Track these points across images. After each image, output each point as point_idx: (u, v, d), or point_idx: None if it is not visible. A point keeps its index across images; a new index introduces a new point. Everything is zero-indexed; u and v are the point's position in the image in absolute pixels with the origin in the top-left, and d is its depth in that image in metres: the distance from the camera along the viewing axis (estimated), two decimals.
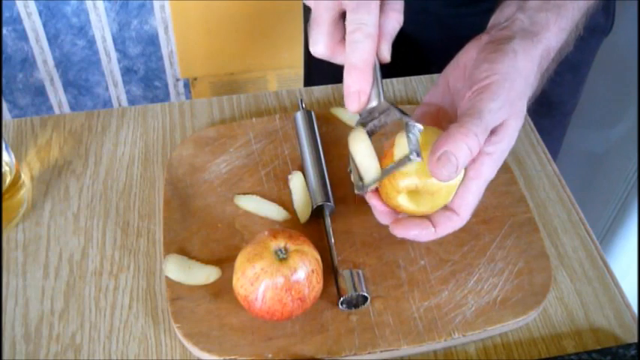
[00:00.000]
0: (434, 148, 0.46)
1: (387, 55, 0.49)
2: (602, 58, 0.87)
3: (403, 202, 0.50)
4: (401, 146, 0.48)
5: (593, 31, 0.81)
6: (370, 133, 0.51)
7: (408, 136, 0.47)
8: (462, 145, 0.45)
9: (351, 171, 0.52)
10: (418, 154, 0.46)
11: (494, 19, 0.54)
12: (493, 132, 0.48)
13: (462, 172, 0.49)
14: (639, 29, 0.98)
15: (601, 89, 1.07)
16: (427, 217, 0.50)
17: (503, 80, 0.48)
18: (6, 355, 0.52)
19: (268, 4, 1.46)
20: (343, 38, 0.49)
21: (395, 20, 0.49)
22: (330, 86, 0.75)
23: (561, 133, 0.92)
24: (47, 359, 0.52)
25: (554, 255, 0.61)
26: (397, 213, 0.52)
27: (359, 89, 0.47)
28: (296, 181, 0.63)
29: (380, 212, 0.52)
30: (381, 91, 0.49)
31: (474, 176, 0.49)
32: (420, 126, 0.47)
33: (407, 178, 0.48)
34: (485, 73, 0.48)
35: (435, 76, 0.76)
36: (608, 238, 1.22)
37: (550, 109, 0.87)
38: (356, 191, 0.51)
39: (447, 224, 0.50)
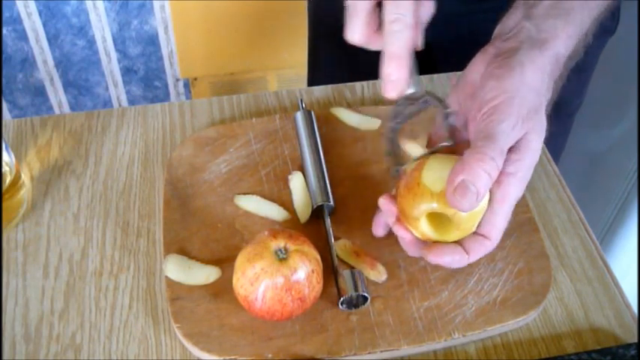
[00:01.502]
0: (450, 178, 0.45)
1: (420, 44, 0.50)
2: (603, 58, 0.87)
3: (426, 229, 0.49)
4: (429, 176, 0.48)
5: (599, 33, 0.81)
6: (407, 118, 0.52)
7: (445, 125, 0.48)
8: (479, 171, 0.45)
9: (389, 153, 0.52)
10: (454, 142, 0.47)
11: (499, 28, 0.53)
12: (513, 150, 0.47)
13: (487, 196, 0.48)
14: (639, 29, 0.98)
15: (601, 89, 1.07)
16: (459, 243, 0.50)
17: (512, 98, 0.47)
18: (6, 355, 0.52)
19: (268, 4, 1.46)
20: (379, 26, 0.49)
21: (428, 8, 0.50)
22: (330, 86, 0.75)
23: (565, 133, 0.92)
24: (47, 359, 0.52)
25: (554, 255, 0.61)
26: (425, 243, 0.51)
27: (399, 77, 0.48)
28: (296, 181, 0.63)
29: (408, 243, 0.51)
30: (417, 78, 0.50)
31: (500, 199, 0.48)
32: (454, 114, 0.48)
33: (423, 203, 0.47)
34: (492, 92, 0.48)
35: (435, 76, 0.76)
36: (608, 238, 1.22)
37: (555, 110, 0.87)
38: (391, 175, 0.51)
39: (480, 249, 0.49)
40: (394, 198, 0.51)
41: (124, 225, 0.61)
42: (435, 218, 0.49)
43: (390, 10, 0.47)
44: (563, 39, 0.51)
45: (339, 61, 0.95)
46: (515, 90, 0.47)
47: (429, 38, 0.83)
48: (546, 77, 0.50)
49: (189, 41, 1.51)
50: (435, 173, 0.48)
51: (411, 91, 0.50)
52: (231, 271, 0.52)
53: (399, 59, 0.47)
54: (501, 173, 0.47)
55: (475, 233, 0.49)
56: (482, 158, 0.45)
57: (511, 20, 0.52)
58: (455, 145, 0.48)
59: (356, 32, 0.50)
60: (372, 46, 0.50)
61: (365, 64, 0.85)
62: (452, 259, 0.49)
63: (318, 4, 0.95)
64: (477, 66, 0.51)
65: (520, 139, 0.48)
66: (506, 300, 0.55)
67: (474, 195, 0.44)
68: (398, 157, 0.51)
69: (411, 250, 0.52)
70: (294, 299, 0.50)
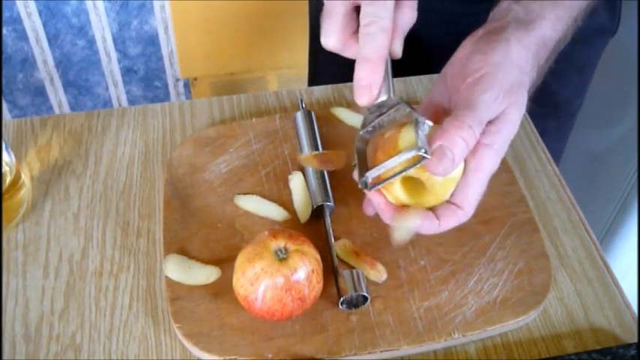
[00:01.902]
0: (429, 142, 0.46)
1: (398, 51, 0.49)
2: (603, 58, 0.87)
3: (399, 193, 0.49)
4: (406, 140, 0.47)
5: (599, 32, 0.81)
6: (377, 128, 0.50)
7: (417, 132, 0.46)
8: (456, 138, 0.45)
9: (355, 166, 0.51)
10: (427, 151, 0.46)
11: (491, 15, 0.54)
12: (491, 123, 0.48)
13: (462, 165, 0.48)
14: (639, 29, 0.98)
15: (601, 89, 1.07)
16: (431, 210, 0.50)
17: (496, 71, 0.47)
18: (6, 355, 0.52)
19: (269, 4, 1.46)
20: (355, 32, 0.48)
21: (409, 17, 0.49)
22: (330, 86, 0.75)
23: (566, 133, 0.92)
24: (47, 359, 0.52)
25: (554, 255, 0.60)
26: (400, 209, 0.51)
27: (370, 82, 0.46)
28: (296, 181, 0.63)
29: (382, 209, 0.51)
30: (391, 86, 0.48)
31: (474, 169, 0.48)
32: (429, 122, 0.47)
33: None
34: (478, 64, 0.48)
35: (435, 76, 0.76)
36: (608, 238, 1.22)
37: (556, 110, 0.87)
38: (360, 187, 0.50)
39: (451, 218, 0.49)
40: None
41: (124, 225, 0.61)
42: (409, 183, 0.49)
43: (366, 12, 0.46)
44: (550, 21, 0.51)
45: (339, 61, 0.95)
46: (500, 64, 0.48)
47: (429, 39, 0.84)
48: (531, 56, 0.50)
49: (189, 41, 1.51)
50: (411, 138, 0.47)
51: (383, 98, 0.48)
52: (231, 271, 0.52)
53: (373, 63, 0.46)
54: (478, 144, 0.47)
55: (448, 202, 0.49)
56: (460, 126, 0.45)
57: (501, 5, 0.53)
58: (430, 155, 0.47)
59: (331, 36, 0.48)
60: (347, 53, 0.49)
61: None
62: (422, 224, 0.49)
63: (318, 5, 0.94)
64: (466, 47, 0.51)
65: (501, 112, 0.48)
66: (506, 300, 0.55)
67: (449, 160, 0.45)
68: (364, 169, 0.49)
69: (385, 215, 0.51)
70: (294, 299, 0.50)
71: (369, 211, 0.55)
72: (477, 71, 0.48)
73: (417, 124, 0.47)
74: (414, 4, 0.49)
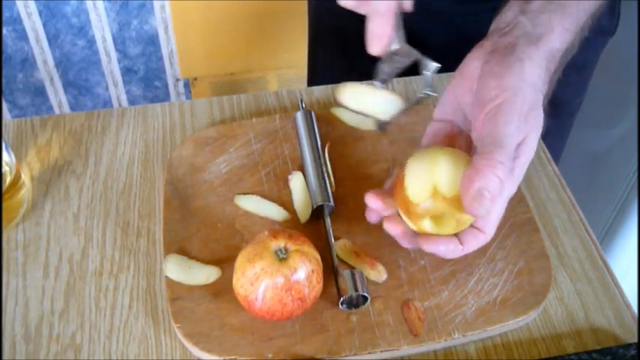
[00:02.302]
0: (465, 185, 0.47)
1: (407, 5, 0.52)
2: (603, 58, 0.87)
3: (427, 227, 0.50)
4: (412, 171, 0.50)
5: (599, 33, 0.81)
6: (391, 75, 0.54)
7: (424, 73, 0.50)
8: (491, 177, 0.46)
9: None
10: (433, 90, 0.51)
11: (495, 24, 0.53)
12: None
13: None
14: (639, 29, 0.98)
15: (601, 89, 1.07)
16: (455, 235, 0.51)
17: (514, 96, 0.48)
18: (6, 355, 0.52)
19: (268, 4, 1.46)
20: None
21: None
22: (330, 86, 0.75)
23: (566, 133, 0.92)
24: (47, 359, 0.52)
25: (554, 255, 0.61)
26: (419, 235, 0.52)
27: (381, 33, 0.51)
28: (296, 181, 0.63)
29: (401, 236, 0.53)
30: (402, 35, 0.52)
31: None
32: (436, 64, 0.51)
33: (435, 207, 0.49)
34: (494, 91, 0.48)
35: (435, 76, 0.76)
36: (608, 238, 1.22)
37: (555, 110, 0.87)
38: (377, 129, 0.54)
39: (473, 242, 0.51)
40: (381, 195, 0.53)
41: (124, 225, 0.61)
42: (438, 217, 0.50)
43: None
44: (558, 33, 0.51)
45: (338, 61, 0.95)
46: (516, 87, 0.48)
47: (426, 38, 0.83)
48: (543, 72, 0.50)
49: (189, 41, 1.51)
50: (449, 177, 0.48)
51: (395, 47, 0.52)
52: (231, 271, 0.52)
53: (383, 16, 0.50)
54: None
55: (471, 226, 0.51)
56: (493, 165, 0.46)
57: (507, 15, 0.53)
58: (435, 95, 0.51)
59: None
60: (361, 10, 0.52)
61: (364, 65, 0.85)
62: (446, 249, 0.50)
63: (318, 5, 0.95)
64: (474, 62, 0.52)
65: (522, 139, 0.49)
66: (506, 300, 0.55)
67: (488, 201, 0.46)
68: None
69: (405, 242, 0.53)
70: (294, 299, 0.50)
71: (372, 217, 0.55)
72: (494, 99, 0.48)
73: (424, 65, 0.51)
74: None
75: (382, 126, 0.55)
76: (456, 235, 0.51)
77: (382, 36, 0.51)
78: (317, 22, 0.97)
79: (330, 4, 0.92)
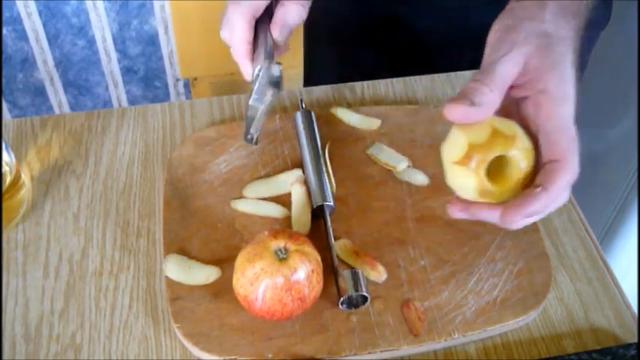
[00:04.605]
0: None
1: (277, 38, 0.59)
2: (602, 58, 0.87)
3: (484, 180, 0.48)
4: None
5: (592, 24, 0.81)
6: (260, 93, 0.58)
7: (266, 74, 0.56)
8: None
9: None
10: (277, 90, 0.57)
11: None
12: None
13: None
14: (639, 29, 0.98)
15: (601, 89, 1.07)
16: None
17: (571, 145, 0.47)
18: (6, 355, 0.52)
19: None
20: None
21: (295, 12, 0.58)
22: (330, 86, 0.75)
23: None
24: (47, 359, 0.52)
25: (554, 255, 0.61)
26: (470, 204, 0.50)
27: (240, 62, 0.59)
28: (295, 192, 0.62)
29: (489, 210, 0.50)
30: (265, 57, 0.57)
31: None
32: (279, 66, 0.57)
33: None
34: (555, 135, 0.47)
35: (435, 76, 0.76)
36: (608, 238, 1.22)
37: None
38: (246, 142, 0.59)
39: (552, 176, 0.48)
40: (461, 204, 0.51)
41: (124, 225, 0.61)
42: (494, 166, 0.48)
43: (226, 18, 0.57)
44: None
45: (334, 61, 0.96)
46: (568, 127, 0.48)
47: (424, 33, 0.84)
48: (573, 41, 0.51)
49: (189, 41, 1.51)
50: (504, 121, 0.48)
51: (258, 68, 0.57)
52: (231, 271, 0.52)
53: (234, 48, 0.58)
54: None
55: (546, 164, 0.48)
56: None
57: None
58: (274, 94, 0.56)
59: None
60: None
61: (360, 64, 0.85)
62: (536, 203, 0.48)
63: (313, 6, 0.95)
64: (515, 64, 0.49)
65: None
66: (506, 300, 0.55)
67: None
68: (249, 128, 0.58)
69: (458, 214, 0.52)
70: (294, 299, 0.50)
71: (457, 214, 0.52)
72: (555, 152, 0.47)
73: (268, 67, 0.56)
74: (302, 2, 0.57)
75: (251, 140, 0.59)
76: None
77: (241, 64, 0.59)
78: (312, 22, 0.97)
79: (324, 4, 0.93)
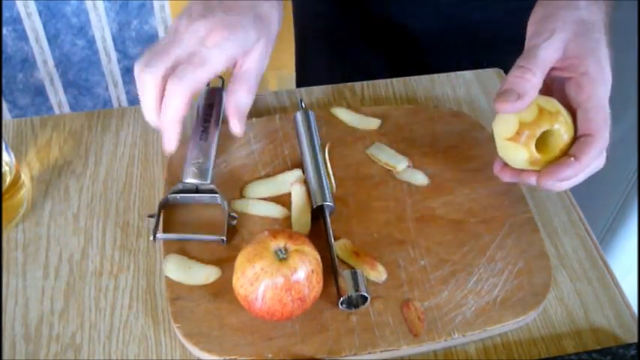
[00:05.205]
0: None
1: (234, 129, 0.60)
2: None
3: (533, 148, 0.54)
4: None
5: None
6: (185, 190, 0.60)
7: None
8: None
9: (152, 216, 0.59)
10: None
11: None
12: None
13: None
14: (639, 29, 0.98)
15: None
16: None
17: (604, 123, 0.53)
18: (6, 355, 0.52)
19: None
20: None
21: (244, 98, 0.59)
22: (330, 86, 0.75)
23: None
24: (47, 359, 0.52)
25: (554, 255, 0.61)
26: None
27: (167, 140, 0.57)
28: (295, 193, 0.62)
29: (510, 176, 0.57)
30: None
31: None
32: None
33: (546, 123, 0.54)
34: (592, 113, 0.53)
35: (435, 76, 0.76)
36: (608, 238, 1.22)
37: None
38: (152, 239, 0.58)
39: (585, 149, 0.54)
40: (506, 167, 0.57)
41: (124, 225, 0.61)
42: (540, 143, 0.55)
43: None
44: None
45: (326, 63, 0.96)
46: (597, 58, 0.54)
47: (419, 31, 0.84)
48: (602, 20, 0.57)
49: None
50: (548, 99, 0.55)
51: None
52: (231, 271, 0.52)
53: (165, 127, 0.56)
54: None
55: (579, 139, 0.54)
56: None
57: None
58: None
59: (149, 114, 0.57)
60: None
61: (353, 66, 0.85)
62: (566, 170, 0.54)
63: (304, 9, 0.96)
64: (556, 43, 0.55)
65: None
66: (506, 300, 0.55)
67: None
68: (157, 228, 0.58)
69: (508, 178, 0.58)
70: (294, 299, 0.50)
71: (506, 176, 0.58)
72: (592, 74, 0.54)
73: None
74: (250, 88, 0.59)
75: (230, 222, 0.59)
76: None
77: (170, 142, 0.57)
78: (303, 25, 0.98)
79: (315, 7, 0.93)
